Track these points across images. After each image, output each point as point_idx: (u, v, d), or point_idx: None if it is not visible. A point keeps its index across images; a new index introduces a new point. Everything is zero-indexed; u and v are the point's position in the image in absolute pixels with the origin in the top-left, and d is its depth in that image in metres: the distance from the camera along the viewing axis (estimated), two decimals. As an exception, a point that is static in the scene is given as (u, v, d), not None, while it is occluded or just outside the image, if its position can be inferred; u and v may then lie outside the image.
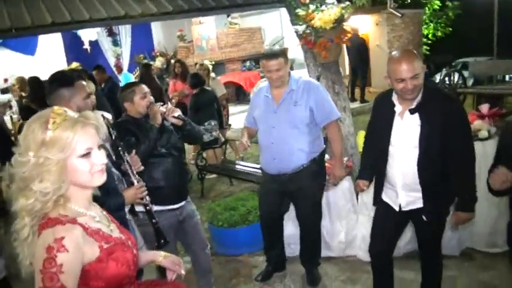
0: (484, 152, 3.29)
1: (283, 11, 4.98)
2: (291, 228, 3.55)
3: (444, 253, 3.42)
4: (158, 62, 10.70)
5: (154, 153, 2.61)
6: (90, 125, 1.36)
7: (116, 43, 11.13)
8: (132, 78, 9.62)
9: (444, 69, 11.13)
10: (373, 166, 2.56)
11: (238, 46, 11.27)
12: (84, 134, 1.33)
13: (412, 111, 2.25)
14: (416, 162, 2.29)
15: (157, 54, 11.29)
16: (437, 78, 9.81)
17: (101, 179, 1.39)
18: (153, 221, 2.26)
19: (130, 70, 10.98)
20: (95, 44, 10.72)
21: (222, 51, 10.97)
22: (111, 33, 11.03)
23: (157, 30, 11.80)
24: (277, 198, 3.20)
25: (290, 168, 2.97)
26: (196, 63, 9.05)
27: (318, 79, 4.40)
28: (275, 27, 12.07)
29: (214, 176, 5.92)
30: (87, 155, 1.34)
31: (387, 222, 2.56)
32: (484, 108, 3.46)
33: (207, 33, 10.74)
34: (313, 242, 3.27)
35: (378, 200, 2.58)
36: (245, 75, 10.57)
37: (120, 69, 10.77)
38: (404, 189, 2.39)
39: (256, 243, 3.77)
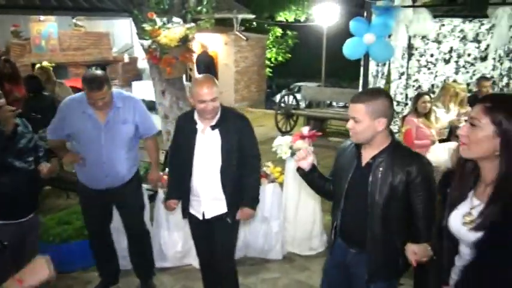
0: (303, 167, 3.83)
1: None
2: (125, 241, 3.53)
3: (269, 258, 3.87)
4: (-16, 58, 9.36)
5: (2, 162, 2.39)
6: None
7: None
8: None
9: (284, 91, 12.34)
10: (180, 183, 2.73)
11: (84, 50, 10.61)
12: None
13: (212, 128, 2.56)
14: (219, 172, 2.58)
15: (-16, 48, 9.88)
16: (278, 98, 10.86)
17: None
18: None
19: None
20: None
21: (64, 54, 10.18)
22: None
23: (-15, 22, 10.34)
24: (103, 213, 3.19)
25: (120, 183, 3.01)
26: (34, 64, 8.25)
27: (163, 94, 4.53)
28: (125, 34, 11.73)
29: (48, 188, 5.46)
30: None
31: (198, 232, 2.81)
32: (305, 130, 4.01)
33: (48, 32, 9.86)
34: (143, 252, 3.33)
35: (186, 212, 2.76)
36: (90, 82, 9.98)
37: None
38: (208, 198, 2.65)
39: (91, 258, 3.64)
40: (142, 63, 10.80)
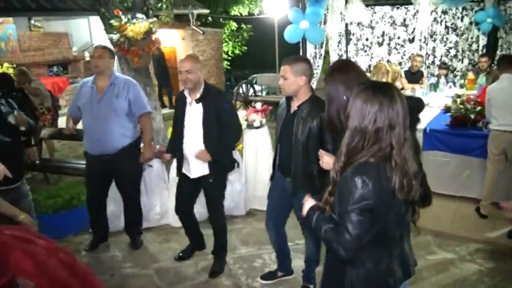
0: (258, 136, 4.55)
1: (92, 17, 5.42)
2: (113, 207, 4.13)
3: (234, 214, 4.56)
4: None
5: None
6: None
7: None
8: None
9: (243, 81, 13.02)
10: (175, 144, 3.37)
11: (43, 50, 10.83)
12: None
13: (197, 101, 3.17)
14: (202, 140, 3.17)
15: None
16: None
17: None
18: None
19: None
20: None
21: (25, 55, 10.39)
22: None
23: None
24: (100, 180, 3.77)
25: (112, 150, 3.58)
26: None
27: (132, 82, 5.09)
28: (84, 33, 12.01)
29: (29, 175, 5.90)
30: None
31: (184, 187, 3.45)
32: (258, 105, 4.74)
33: (7, 34, 10.04)
34: (134, 214, 3.95)
35: (179, 171, 3.42)
36: (53, 81, 10.27)
37: None
38: (194, 160, 3.26)
39: (80, 225, 4.20)
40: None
